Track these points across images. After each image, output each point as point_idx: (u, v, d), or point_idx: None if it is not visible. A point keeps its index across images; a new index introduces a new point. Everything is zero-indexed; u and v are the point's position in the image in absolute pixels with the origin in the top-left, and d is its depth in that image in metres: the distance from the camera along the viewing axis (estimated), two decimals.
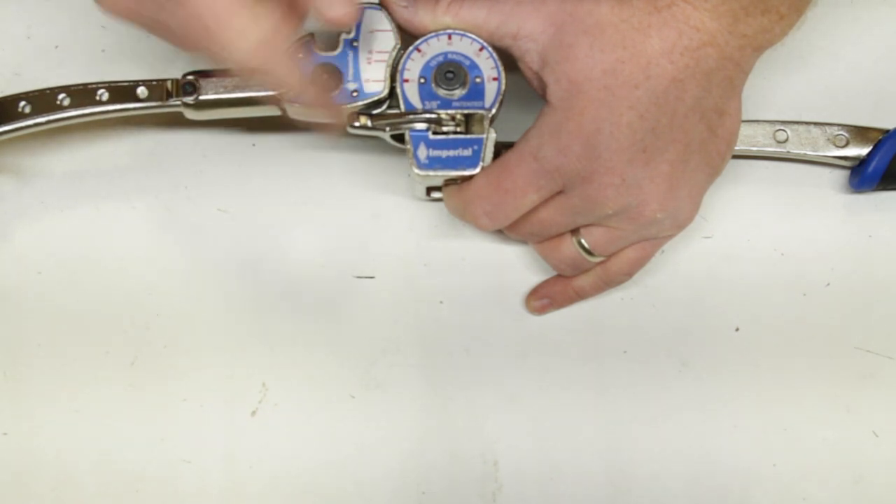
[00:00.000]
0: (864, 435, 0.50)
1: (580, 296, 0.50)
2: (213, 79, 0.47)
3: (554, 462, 0.49)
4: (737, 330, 0.51)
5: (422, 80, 0.46)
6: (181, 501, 0.48)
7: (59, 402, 0.49)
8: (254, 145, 0.53)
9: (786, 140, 0.52)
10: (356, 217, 0.52)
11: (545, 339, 0.51)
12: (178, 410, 0.49)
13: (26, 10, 0.55)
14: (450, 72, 0.45)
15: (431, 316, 0.51)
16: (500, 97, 0.46)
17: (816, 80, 0.55)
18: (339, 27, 0.43)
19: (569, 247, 0.47)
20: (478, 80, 0.46)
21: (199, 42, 0.38)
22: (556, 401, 0.50)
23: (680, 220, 0.46)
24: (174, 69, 0.50)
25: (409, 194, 0.53)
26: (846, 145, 0.52)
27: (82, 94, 0.48)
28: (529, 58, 0.44)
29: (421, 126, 0.45)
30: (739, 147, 0.50)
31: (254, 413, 0.49)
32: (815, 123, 0.52)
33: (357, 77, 0.46)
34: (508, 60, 0.45)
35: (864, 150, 0.51)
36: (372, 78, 0.46)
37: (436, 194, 0.50)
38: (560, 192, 0.45)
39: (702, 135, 0.44)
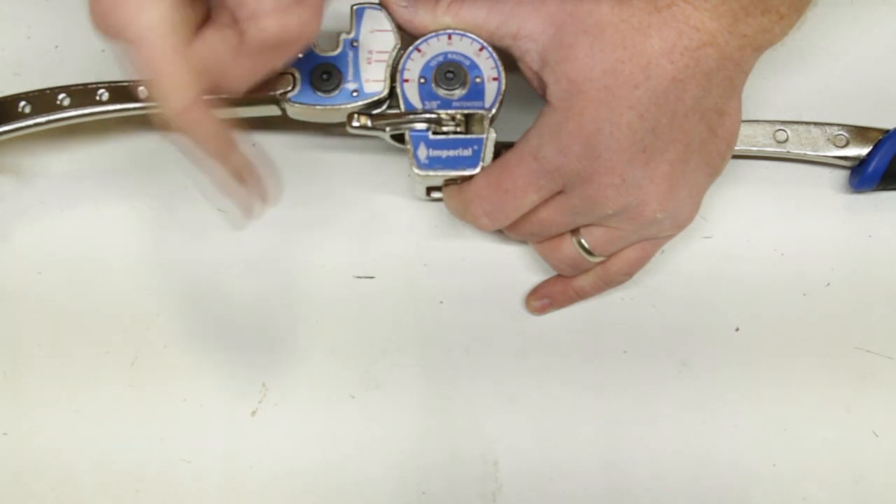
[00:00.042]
0: (864, 435, 0.50)
1: (580, 296, 0.50)
2: None
3: (554, 462, 0.49)
4: (737, 330, 0.51)
5: (422, 80, 0.46)
6: (181, 501, 0.48)
7: (59, 402, 0.49)
8: (254, 145, 0.53)
9: (786, 140, 0.52)
10: (356, 217, 0.52)
11: (545, 339, 0.51)
12: (178, 410, 0.49)
13: (26, 10, 0.55)
14: (450, 72, 0.45)
15: (431, 316, 0.51)
16: (500, 97, 0.46)
17: (816, 80, 0.55)
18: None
19: (569, 247, 0.47)
20: (478, 80, 0.46)
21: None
22: (556, 401, 0.50)
23: (680, 220, 0.46)
24: None
25: (409, 194, 0.52)
26: (846, 145, 0.52)
27: (82, 94, 0.48)
28: (529, 58, 0.44)
29: (421, 126, 0.45)
30: (739, 147, 0.50)
31: (254, 413, 0.49)
32: (815, 123, 0.52)
33: (357, 77, 0.46)
34: (508, 60, 0.45)
35: (864, 150, 0.51)
36: (372, 78, 0.46)
37: (436, 194, 0.50)
38: (560, 192, 0.45)
39: (702, 135, 0.44)
